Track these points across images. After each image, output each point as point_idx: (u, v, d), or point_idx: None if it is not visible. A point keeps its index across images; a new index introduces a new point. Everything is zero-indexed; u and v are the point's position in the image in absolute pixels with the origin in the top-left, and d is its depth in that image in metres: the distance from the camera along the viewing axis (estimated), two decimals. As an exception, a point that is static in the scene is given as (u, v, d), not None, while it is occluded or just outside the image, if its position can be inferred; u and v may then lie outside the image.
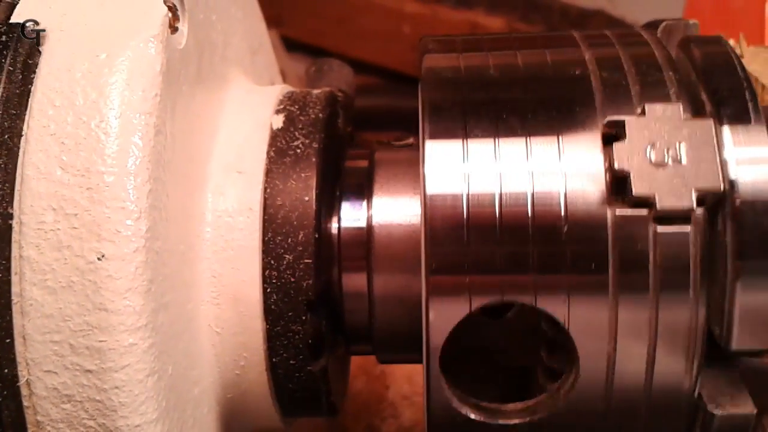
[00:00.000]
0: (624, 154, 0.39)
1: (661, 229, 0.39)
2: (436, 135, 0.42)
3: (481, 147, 0.42)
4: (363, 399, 0.84)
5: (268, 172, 0.46)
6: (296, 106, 0.48)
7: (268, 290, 0.44)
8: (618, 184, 0.40)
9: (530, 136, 0.42)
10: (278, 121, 0.47)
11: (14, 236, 0.36)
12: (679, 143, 0.39)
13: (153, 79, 0.37)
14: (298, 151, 0.46)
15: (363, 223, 0.47)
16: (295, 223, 0.45)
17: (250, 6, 0.58)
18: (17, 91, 0.37)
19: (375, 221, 0.47)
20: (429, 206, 0.41)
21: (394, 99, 1.09)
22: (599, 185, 0.40)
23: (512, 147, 0.42)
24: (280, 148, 0.46)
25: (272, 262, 0.44)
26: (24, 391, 0.36)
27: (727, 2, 0.75)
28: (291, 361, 0.46)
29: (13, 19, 0.38)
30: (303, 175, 0.45)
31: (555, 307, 0.40)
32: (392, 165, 0.49)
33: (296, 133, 0.47)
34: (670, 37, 0.47)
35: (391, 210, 0.47)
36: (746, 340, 0.41)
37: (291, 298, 0.44)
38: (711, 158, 0.39)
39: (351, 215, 0.48)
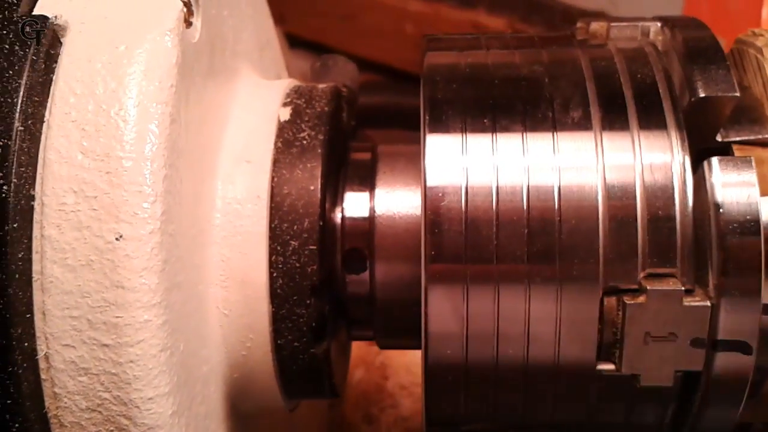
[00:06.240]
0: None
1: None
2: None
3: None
4: (362, 389, 0.85)
5: (276, 162, 0.47)
6: (303, 100, 0.50)
7: (274, 274, 0.46)
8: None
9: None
10: (285, 114, 0.49)
11: (36, 217, 0.37)
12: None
13: (169, 70, 0.39)
14: (305, 142, 0.48)
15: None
16: (300, 210, 0.46)
17: (259, 3, 0.60)
18: (40, 79, 0.38)
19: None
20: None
21: (396, 96, 1.09)
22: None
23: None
24: (287, 139, 0.48)
25: (278, 247, 0.46)
26: (42, 365, 0.38)
27: (725, 4, 0.77)
28: (295, 343, 0.47)
29: (36, 11, 0.40)
30: (309, 165, 0.47)
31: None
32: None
33: (302, 125, 0.49)
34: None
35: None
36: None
37: (296, 282, 0.46)
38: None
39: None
